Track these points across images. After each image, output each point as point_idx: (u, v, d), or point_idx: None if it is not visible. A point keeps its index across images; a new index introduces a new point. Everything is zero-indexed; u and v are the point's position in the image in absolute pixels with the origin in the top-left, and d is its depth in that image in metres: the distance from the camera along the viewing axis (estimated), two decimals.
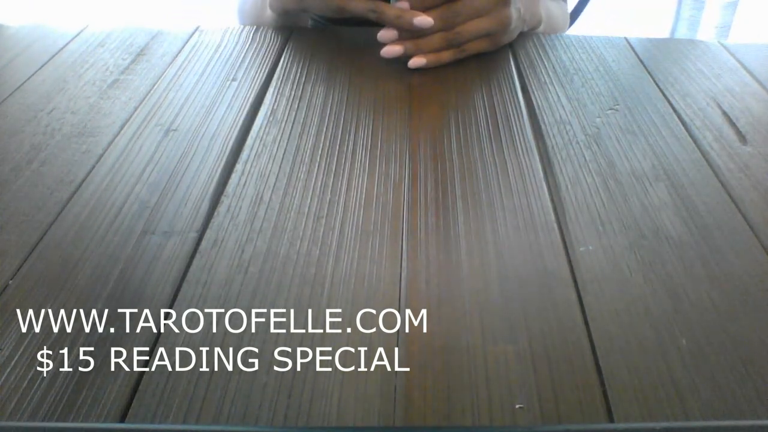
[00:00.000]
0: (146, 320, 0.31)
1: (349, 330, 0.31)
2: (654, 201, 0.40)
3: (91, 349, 0.30)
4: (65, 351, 0.30)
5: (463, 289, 0.33)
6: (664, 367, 0.29)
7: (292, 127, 0.47)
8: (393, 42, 0.55)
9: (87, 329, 0.31)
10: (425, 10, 0.54)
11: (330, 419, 0.27)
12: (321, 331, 0.31)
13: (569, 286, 0.34)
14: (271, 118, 0.48)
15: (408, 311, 0.32)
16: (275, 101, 0.51)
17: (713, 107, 0.51)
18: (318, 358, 0.30)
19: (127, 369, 0.29)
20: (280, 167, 0.43)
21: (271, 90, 0.52)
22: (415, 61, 0.55)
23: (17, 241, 0.37)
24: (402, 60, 0.56)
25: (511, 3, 0.56)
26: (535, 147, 0.45)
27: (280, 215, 0.38)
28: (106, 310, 0.32)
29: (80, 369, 0.29)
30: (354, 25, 0.63)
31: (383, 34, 0.55)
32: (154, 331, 0.31)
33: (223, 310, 0.32)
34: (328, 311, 0.32)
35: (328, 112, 0.49)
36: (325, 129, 0.47)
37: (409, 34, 0.55)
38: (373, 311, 0.32)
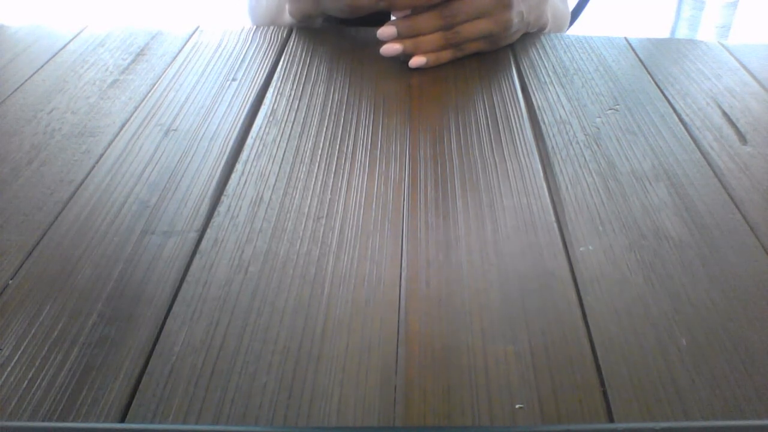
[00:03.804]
0: (146, 320, 0.31)
1: (349, 330, 0.31)
2: (654, 201, 0.40)
3: (91, 349, 0.30)
4: (65, 351, 0.30)
5: (463, 289, 0.33)
6: (664, 367, 0.29)
7: (292, 127, 0.47)
8: (392, 40, 0.55)
9: (87, 329, 0.31)
10: (425, 8, 0.54)
11: (330, 419, 0.27)
12: (321, 330, 0.31)
13: (569, 286, 0.34)
14: (271, 118, 0.48)
15: (408, 311, 0.32)
16: (275, 101, 0.51)
17: (713, 107, 0.51)
18: (318, 358, 0.30)
19: (127, 369, 0.29)
20: (280, 167, 0.43)
21: (271, 90, 0.52)
22: (416, 61, 0.55)
23: (17, 241, 0.37)
24: (402, 59, 0.56)
25: (513, 7, 0.56)
26: (535, 147, 0.45)
27: (280, 215, 0.38)
28: (106, 310, 0.32)
29: (80, 369, 0.29)
30: (363, 25, 0.63)
31: (383, 32, 0.55)
32: (154, 330, 0.31)
33: (223, 310, 0.32)
34: (328, 311, 0.32)
35: (328, 112, 0.49)
36: (325, 129, 0.47)
37: (408, 31, 0.55)
38: (373, 311, 0.32)
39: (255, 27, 0.64)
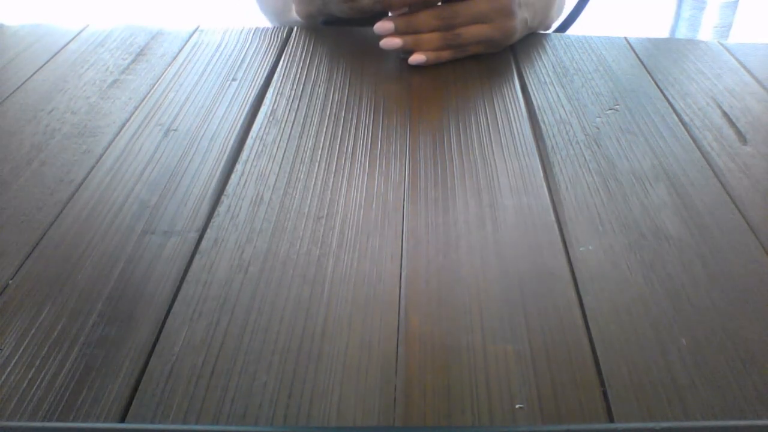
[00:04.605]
0: (146, 320, 0.31)
1: (349, 330, 0.31)
2: (654, 201, 0.40)
3: (91, 349, 0.30)
4: (65, 351, 0.30)
5: (463, 288, 0.33)
6: (664, 367, 0.29)
7: (292, 127, 0.47)
8: (392, 34, 0.55)
9: (87, 329, 0.31)
10: (422, 7, 0.54)
11: (330, 419, 0.27)
12: (321, 330, 0.31)
13: (569, 285, 0.34)
14: (271, 118, 0.48)
15: (408, 311, 0.32)
16: (275, 101, 0.51)
17: (713, 107, 0.51)
18: (318, 357, 0.30)
19: (127, 369, 0.29)
20: (280, 167, 0.43)
21: (271, 90, 0.52)
22: (416, 58, 0.55)
23: (17, 241, 0.37)
24: (402, 56, 0.56)
25: (516, 15, 0.56)
26: (535, 147, 0.45)
27: (280, 215, 0.38)
28: (106, 310, 0.32)
29: (80, 369, 0.29)
30: (366, 25, 0.63)
31: (380, 26, 0.55)
32: (154, 330, 0.31)
33: (223, 310, 0.32)
34: (328, 311, 0.32)
35: (328, 112, 0.49)
36: (325, 129, 0.47)
37: (405, 27, 0.55)
38: (373, 311, 0.32)
39: (255, 27, 0.64)
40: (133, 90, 0.52)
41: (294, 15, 0.65)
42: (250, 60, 0.57)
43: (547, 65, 0.57)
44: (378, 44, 0.55)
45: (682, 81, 0.55)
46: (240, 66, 0.56)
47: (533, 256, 0.36)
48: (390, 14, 0.56)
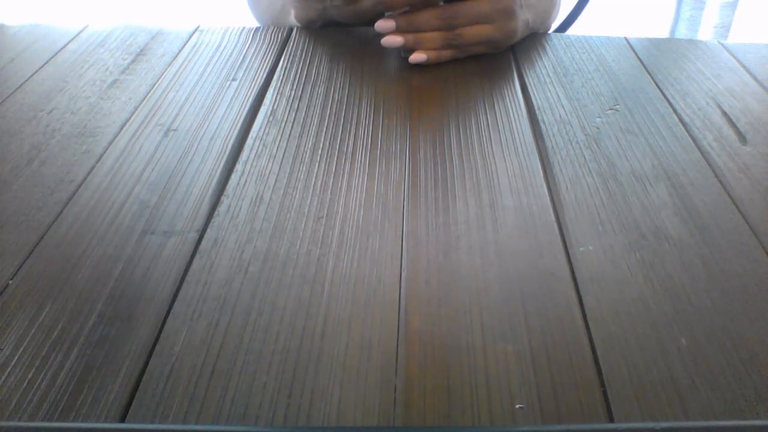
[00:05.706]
0: (146, 320, 0.31)
1: (349, 330, 0.31)
2: (654, 201, 0.40)
3: (91, 349, 0.30)
4: (65, 351, 0.30)
5: (463, 289, 0.33)
6: (664, 367, 0.29)
7: (292, 127, 0.47)
8: (393, 33, 0.55)
9: (87, 329, 0.31)
10: (423, 6, 0.54)
11: (330, 419, 0.27)
12: (321, 330, 0.31)
13: (569, 286, 0.34)
14: (271, 118, 0.48)
15: (408, 311, 0.32)
16: (275, 101, 0.51)
17: (713, 107, 0.51)
18: (318, 358, 0.30)
19: (127, 369, 0.29)
20: (280, 167, 0.43)
21: (271, 90, 0.52)
22: (416, 57, 0.55)
23: (17, 241, 0.37)
24: (403, 55, 0.56)
25: (517, 16, 0.56)
26: (535, 147, 0.45)
27: (280, 215, 0.38)
28: (106, 310, 0.32)
29: (80, 369, 0.29)
30: (365, 25, 0.63)
31: (381, 25, 0.55)
32: (154, 330, 0.31)
33: (223, 310, 0.32)
34: (328, 311, 0.32)
35: (328, 112, 0.49)
36: (325, 129, 0.47)
37: (407, 26, 0.55)
38: (373, 311, 0.32)
39: (255, 27, 0.64)
40: (133, 90, 0.52)
41: (292, 20, 0.65)
42: (250, 60, 0.57)
43: (547, 65, 0.57)
44: (378, 44, 0.55)
45: (682, 81, 0.55)
46: (240, 66, 0.56)
47: (533, 256, 0.36)
48: (389, 14, 0.56)
